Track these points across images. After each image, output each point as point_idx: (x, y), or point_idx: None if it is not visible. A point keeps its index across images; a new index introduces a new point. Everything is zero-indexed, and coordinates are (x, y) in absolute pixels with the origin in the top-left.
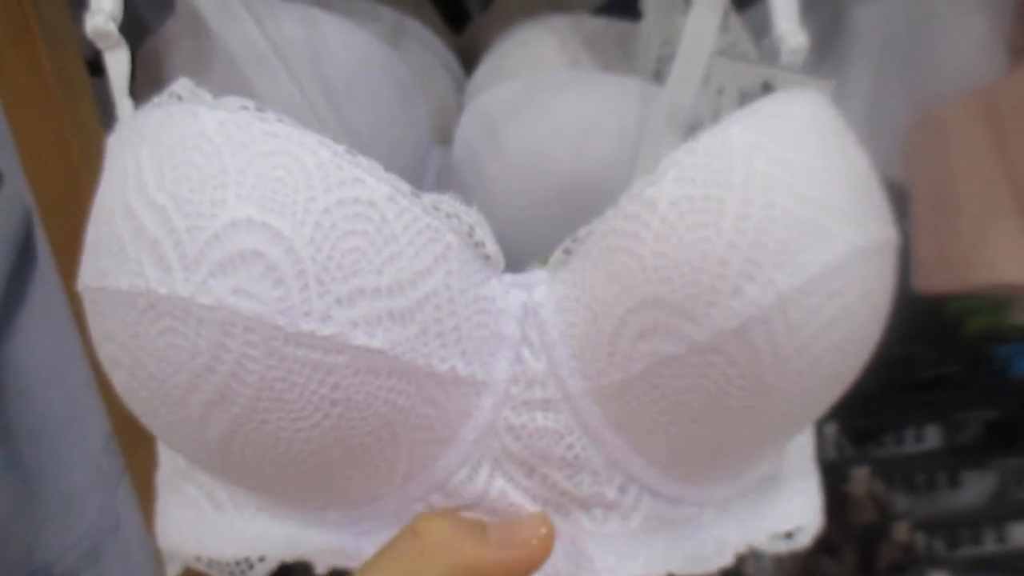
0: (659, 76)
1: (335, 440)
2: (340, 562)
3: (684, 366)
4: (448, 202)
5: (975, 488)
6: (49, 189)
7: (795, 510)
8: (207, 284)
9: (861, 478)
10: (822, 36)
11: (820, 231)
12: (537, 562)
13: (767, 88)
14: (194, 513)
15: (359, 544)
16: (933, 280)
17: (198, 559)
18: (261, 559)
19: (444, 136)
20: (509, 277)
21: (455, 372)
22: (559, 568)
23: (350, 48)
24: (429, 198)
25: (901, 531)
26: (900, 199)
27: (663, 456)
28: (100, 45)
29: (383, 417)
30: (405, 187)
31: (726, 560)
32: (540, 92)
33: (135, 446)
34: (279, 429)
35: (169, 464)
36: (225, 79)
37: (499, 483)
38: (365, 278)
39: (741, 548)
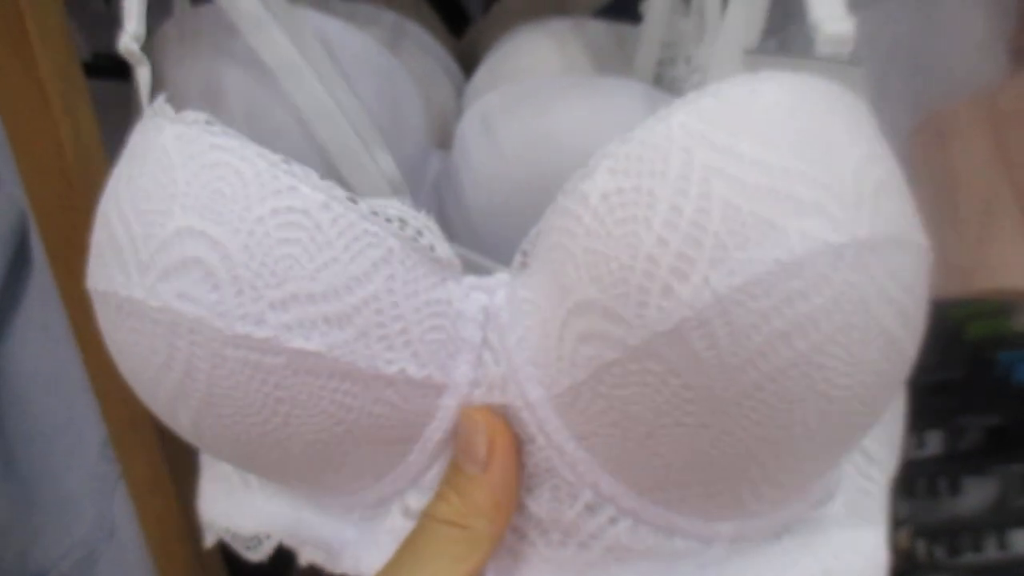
0: (659, 80)
1: (291, 436)
2: (319, 558)
3: (624, 373)
4: (393, 206)
5: (976, 495)
6: (45, 192)
7: (841, 565)
8: (156, 288)
9: None
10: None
11: (770, 225)
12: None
13: None
14: (225, 487)
15: (343, 538)
16: (935, 286)
17: (227, 531)
18: (268, 537)
19: (443, 140)
20: (471, 280)
21: (405, 374)
22: None
23: (348, 51)
24: (368, 204)
25: (901, 538)
26: None
27: (631, 474)
28: (130, 60)
29: (332, 416)
30: (341, 194)
31: None
32: (541, 96)
33: (131, 452)
34: (235, 423)
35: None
36: (245, 81)
37: None
38: (298, 284)
39: None
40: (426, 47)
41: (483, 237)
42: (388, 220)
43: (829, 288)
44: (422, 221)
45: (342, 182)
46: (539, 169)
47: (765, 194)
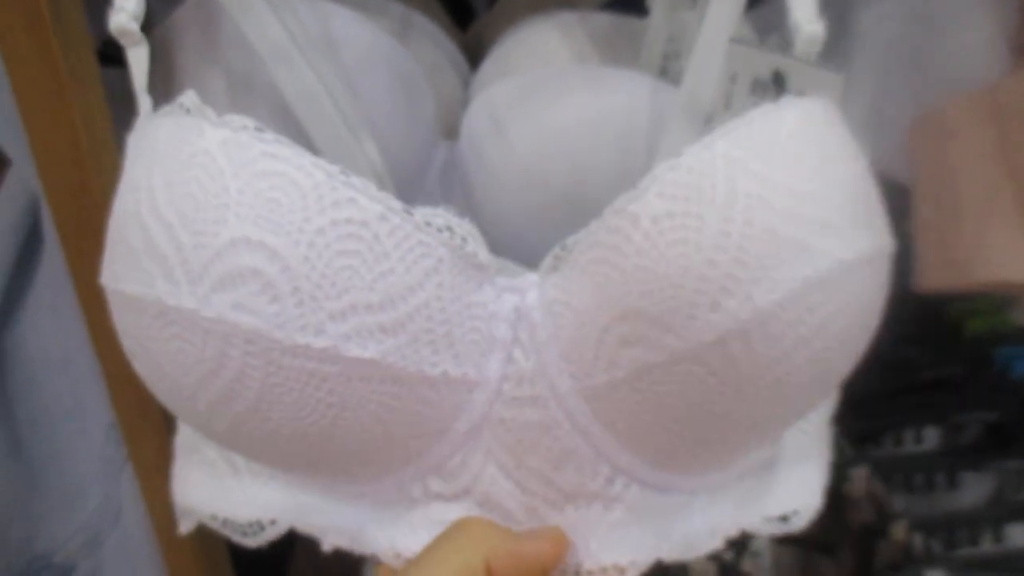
0: (665, 73)
1: (332, 435)
2: (343, 542)
3: (665, 374)
4: (441, 215)
5: (974, 489)
6: (57, 176)
7: (792, 494)
8: (210, 298)
9: (860, 478)
10: (826, 37)
11: (801, 247)
12: (558, 554)
13: (778, 78)
14: (211, 474)
15: (361, 521)
16: (935, 279)
17: (213, 518)
18: (272, 522)
19: (450, 131)
20: (503, 281)
21: (446, 375)
22: None
23: (358, 41)
24: (422, 214)
25: (899, 531)
26: (902, 199)
27: (650, 451)
28: (123, 42)
29: (376, 416)
30: (397, 205)
31: (716, 545)
32: (548, 87)
33: (138, 435)
34: (280, 426)
35: (189, 427)
36: (237, 68)
37: (490, 470)
38: (357, 295)
39: (733, 532)
40: (433, 38)
41: (494, 231)
42: (439, 230)
43: (840, 298)
44: (466, 228)
45: None
46: (549, 164)
47: (796, 218)
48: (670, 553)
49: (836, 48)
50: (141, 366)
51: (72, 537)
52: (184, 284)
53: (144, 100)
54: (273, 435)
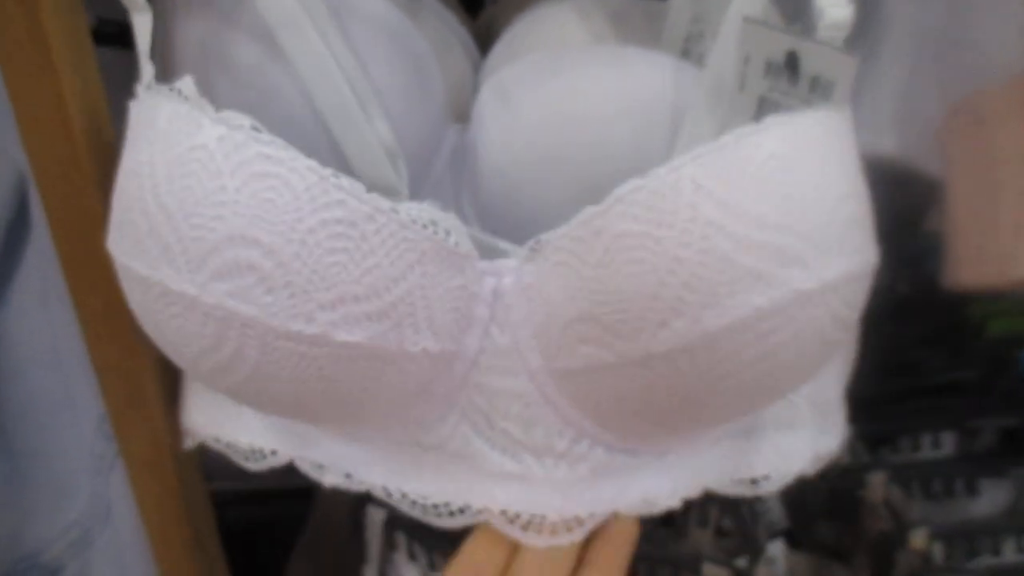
0: (687, 55)
1: (323, 400)
2: (339, 481)
3: (616, 373)
4: (427, 211)
5: (991, 496)
6: (47, 155)
7: (766, 459)
8: (209, 286)
9: (878, 484)
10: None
11: (756, 276)
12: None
13: (792, 60)
14: (213, 398)
15: (355, 461)
16: (969, 276)
17: (216, 440)
18: (273, 452)
19: (460, 114)
20: (483, 265)
21: (426, 351)
22: (510, 502)
23: (368, 13)
24: (407, 211)
25: (918, 539)
26: (924, 193)
27: (613, 427)
28: (127, 6)
29: (361, 386)
30: (385, 205)
31: (674, 504)
32: (561, 64)
33: (130, 429)
34: (276, 392)
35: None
36: (245, 38)
37: (463, 429)
38: (345, 287)
39: (696, 492)
40: (443, 19)
41: (495, 204)
42: (423, 225)
43: (794, 325)
44: (450, 222)
45: (337, 145)
46: (555, 137)
47: (757, 248)
48: (628, 508)
49: (863, 35)
50: (149, 330)
51: (60, 536)
52: (185, 272)
53: (147, 68)
54: (270, 398)
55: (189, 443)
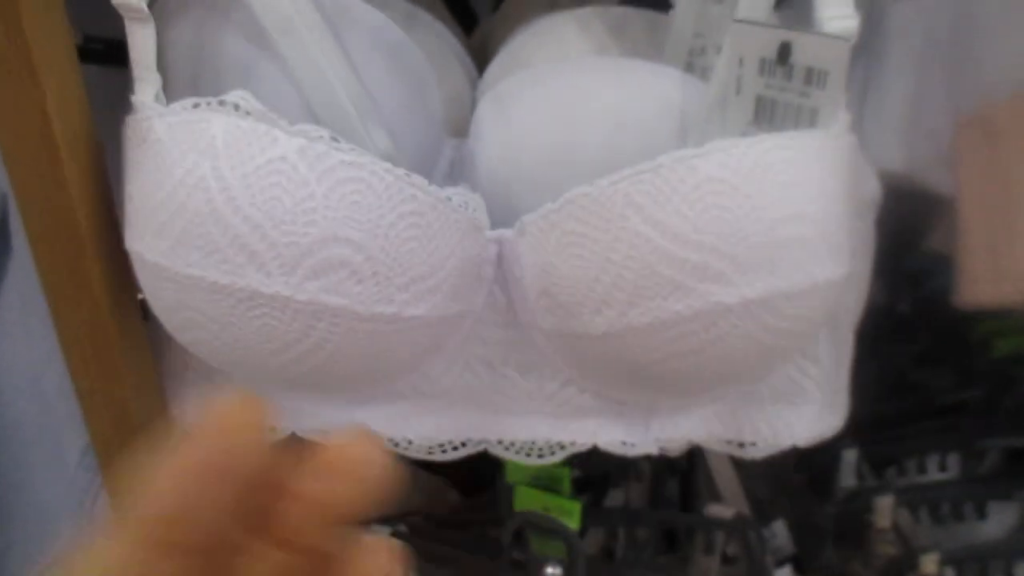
0: (691, 69)
1: (373, 371)
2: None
3: (574, 342)
4: (460, 194)
5: (1000, 518)
6: (28, 171)
7: (756, 428)
8: (303, 286)
9: (886, 508)
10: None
11: (675, 286)
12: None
13: (784, 52)
14: (192, 391)
15: (352, 416)
16: (983, 293)
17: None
18: (271, 429)
19: (458, 129)
20: (491, 233)
21: (456, 313)
22: (505, 433)
23: (365, 28)
24: (454, 197)
25: (929, 564)
26: (931, 210)
27: (593, 378)
28: (127, 18)
29: (409, 351)
30: (443, 195)
31: (651, 450)
32: (563, 78)
33: (114, 459)
34: (340, 371)
35: (171, 360)
36: (237, 44)
37: (467, 377)
38: (416, 269)
39: (679, 444)
40: (440, 34)
41: (493, 214)
42: (464, 207)
43: (717, 329)
44: (476, 201)
45: None
46: (553, 148)
47: (679, 262)
48: (606, 445)
49: (868, 47)
50: (203, 334)
51: (40, 572)
52: (278, 275)
53: (151, 79)
54: (324, 376)
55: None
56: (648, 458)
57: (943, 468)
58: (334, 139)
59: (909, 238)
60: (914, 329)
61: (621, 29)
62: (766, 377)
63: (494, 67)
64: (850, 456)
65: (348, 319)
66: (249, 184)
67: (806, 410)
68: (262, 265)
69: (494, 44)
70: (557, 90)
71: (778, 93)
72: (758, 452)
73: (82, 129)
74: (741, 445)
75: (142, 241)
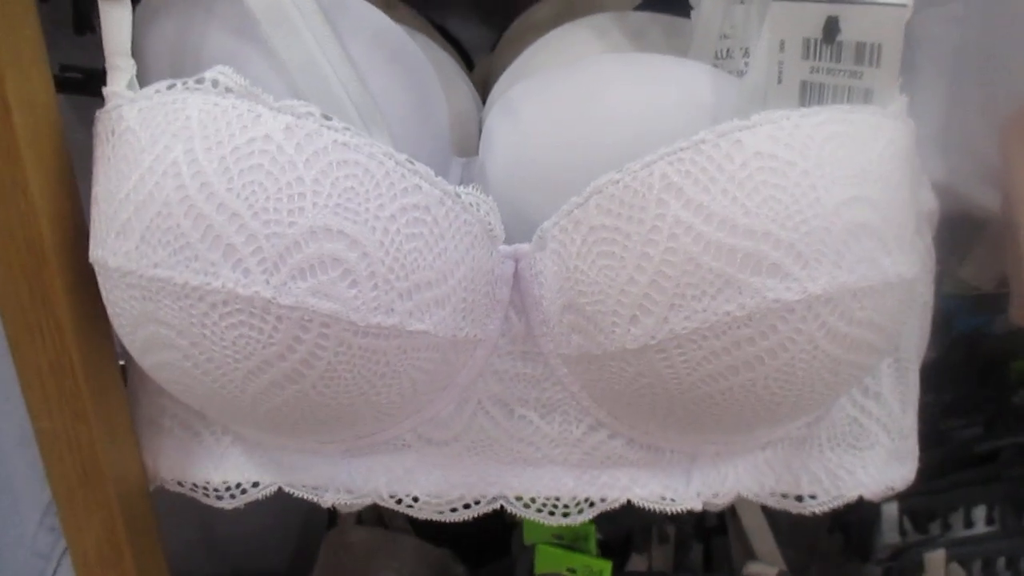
0: None
1: (370, 403)
2: (343, 497)
3: (604, 364)
4: (471, 193)
5: None
6: None
7: (816, 478)
8: (288, 286)
9: (938, 564)
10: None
11: (726, 281)
12: None
13: (831, 28)
14: (170, 441)
15: (350, 469)
16: None
17: (180, 483)
18: (255, 484)
19: (464, 150)
20: (505, 248)
21: (467, 336)
22: (525, 488)
23: (369, 31)
24: (464, 195)
25: None
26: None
27: (623, 416)
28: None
29: (413, 380)
30: (450, 189)
31: (695, 506)
32: (584, 75)
33: (80, 519)
34: (330, 400)
35: (145, 403)
36: (222, 37)
37: (480, 420)
38: (421, 273)
39: (726, 498)
40: (441, 54)
41: (503, 220)
42: (477, 208)
43: (776, 335)
44: (489, 204)
45: None
46: (564, 149)
47: (727, 252)
48: (643, 500)
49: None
50: (173, 354)
51: None
52: (257, 273)
53: (125, 65)
54: (314, 409)
55: (152, 484)
56: (673, 518)
57: (991, 521)
58: (326, 117)
59: (941, 268)
60: (944, 376)
61: (639, 35)
62: (829, 405)
63: (505, 79)
64: (891, 511)
65: (341, 330)
66: (227, 167)
67: (871, 456)
68: (239, 262)
69: (494, 79)
70: (572, 88)
71: (825, 76)
72: (818, 506)
73: (46, 123)
74: (798, 499)
75: (105, 245)
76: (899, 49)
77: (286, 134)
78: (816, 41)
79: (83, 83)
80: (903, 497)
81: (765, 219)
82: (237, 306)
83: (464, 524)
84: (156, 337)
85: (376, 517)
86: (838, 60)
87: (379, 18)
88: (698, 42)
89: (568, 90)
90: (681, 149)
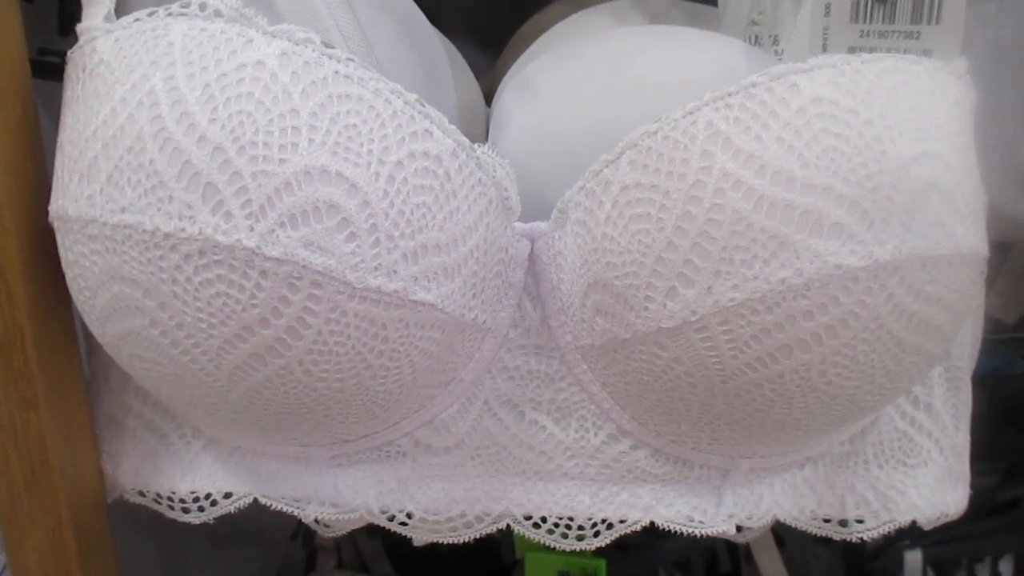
0: None
1: (364, 388)
2: (326, 512)
3: (633, 351)
4: (486, 153)
5: None
6: None
7: (864, 500)
8: (275, 235)
9: None
10: None
11: (781, 243)
12: None
13: None
14: (133, 444)
15: (336, 480)
16: None
17: (143, 493)
18: (227, 495)
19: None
20: (520, 226)
21: (475, 321)
22: (536, 506)
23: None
24: (480, 152)
25: None
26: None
27: (649, 421)
28: None
29: (414, 364)
30: (465, 140)
31: (728, 529)
32: (607, 47)
33: (22, 529)
34: (318, 380)
35: (107, 400)
36: None
37: (486, 423)
38: (429, 234)
39: (761, 521)
40: (450, 48)
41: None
42: (494, 169)
43: (838, 309)
44: (506, 168)
45: None
46: (579, 123)
47: (781, 209)
48: (668, 521)
49: None
50: (139, 320)
51: None
52: (241, 218)
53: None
54: (301, 395)
55: (112, 495)
56: (681, 565)
57: (1020, 573)
58: (327, 46)
59: None
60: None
61: (659, 19)
62: (882, 407)
63: (517, 66)
64: (914, 559)
65: (334, 292)
66: (211, 95)
67: (923, 475)
68: (220, 204)
69: (500, 80)
70: (598, 61)
71: (877, 40)
72: (867, 531)
73: (15, 77)
74: (843, 523)
75: (66, 193)
76: (962, 8)
77: (281, 61)
78: (867, 1)
79: (62, 68)
80: (927, 545)
81: (826, 172)
82: (215, 257)
83: (454, 568)
84: (120, 299)
85: (358, 562)
86: (892, 21)
87: None
88: (725, 29)
89: (593, 63)
90: (729, 94)
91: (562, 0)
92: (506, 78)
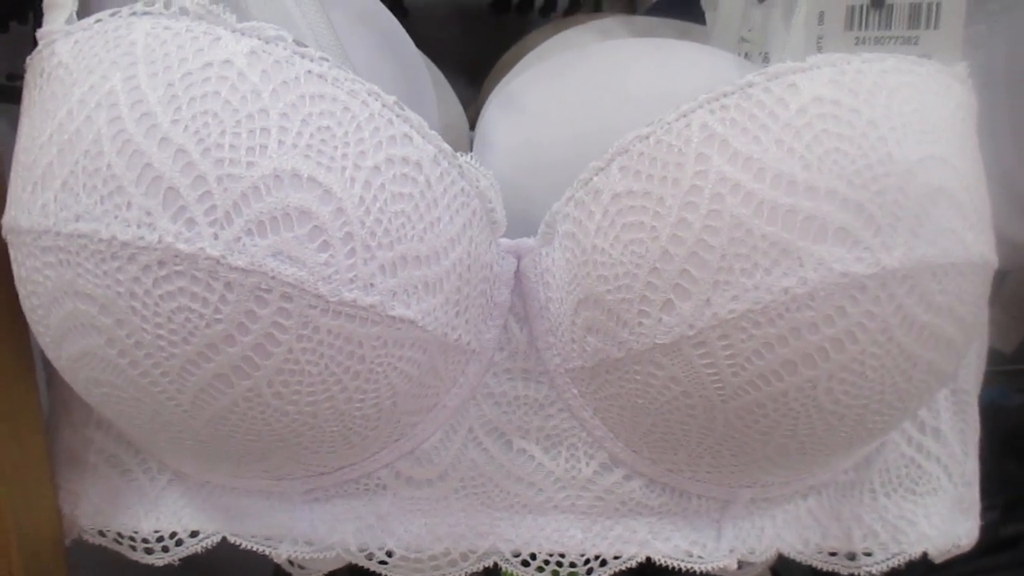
0: None
1: (339, 413)
2: (299, 550)
3: (627, 371)
4: (469, 162)
5: None
6: None
7: (871, 531)
8: (242, 243)
9: None
10: None
11: (783, 250)
12: None
13: None
14: (93, 480)
15: (311, 516)
16: None
17: (102, 534)
18: (194, 534)
19: None
20: (505, 243)
21: (459, 341)
22: (524, 541)
23: (354, 6)
24: (463, 161)
25: None
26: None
27: (643, 448)
28: None
29: (393, 387)
30: (447, 147)
31: (730, 563)
32: (596, 60)
33: None
34: (289, 404)
35: (68, 435)
36: None
37: (471, 453)
38: (408, 244)
39: (764, 555)
40: (435, 72)
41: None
42: (477, 179)
43: (845, 320)
44: (490, 179)
45: None
46: (564, 135)
47: (783, 214)
48: (665, 556)
49: None
50: (95, 339)
51: None
52: (204, 225)
53: (66, 2)
54: (270, 420)
55: (70, 535)
56: None
57: None
58: (299, 44)
59: None
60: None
61: (648, 35)
62: (888, 431)
63: (502, 84)
64: None
65: (306, 305)
66: (174, 95)
67: (933, 504)
68: (182, 210)
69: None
70: (582, 75)
71: (874, 47)
72: (875, 565)
73: None
74: (851, 557)
75: (19, 204)
76: (962, 4)
77: (249, 59)
78: (862, 7)
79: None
80: None
81: (829, 175)
82: (176, 268)
83: None
84: (74, 317)
85: None
86: (888, 26)
87: (371, 1)
88: (715, 46)
89: (580, 77)
90: (724, 95)
91: (545, 28)
92: (490, 97)
